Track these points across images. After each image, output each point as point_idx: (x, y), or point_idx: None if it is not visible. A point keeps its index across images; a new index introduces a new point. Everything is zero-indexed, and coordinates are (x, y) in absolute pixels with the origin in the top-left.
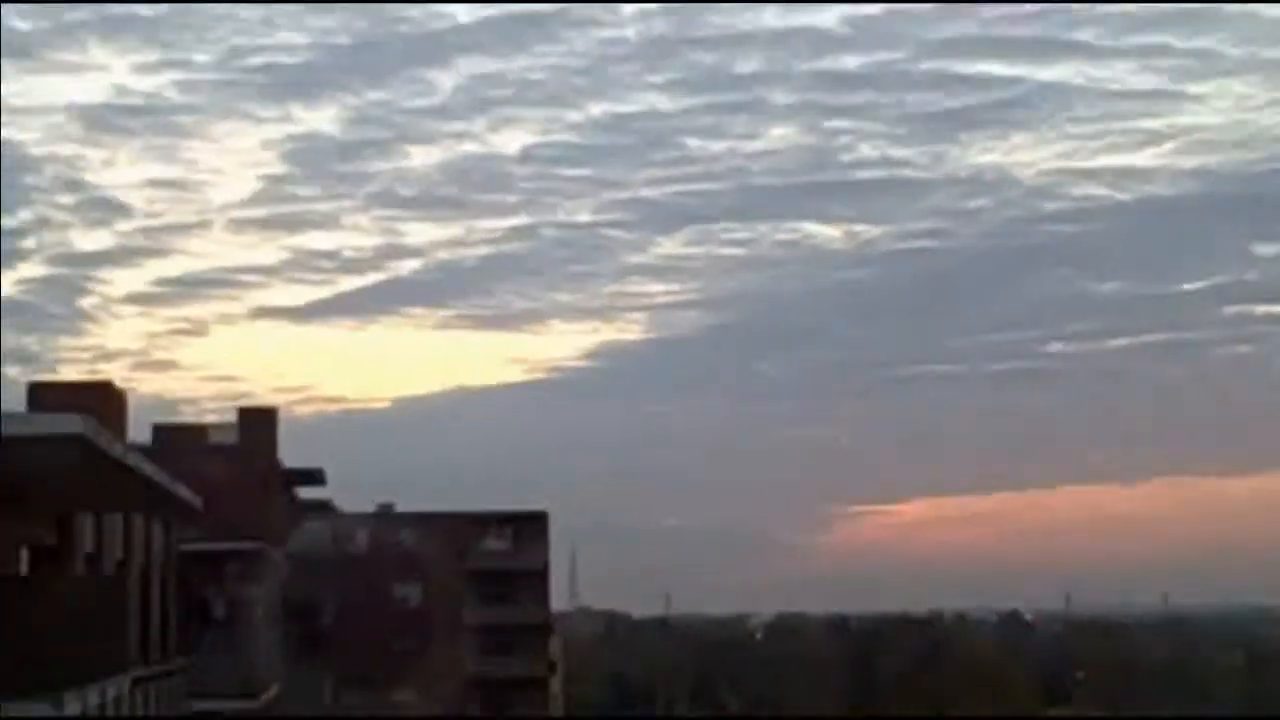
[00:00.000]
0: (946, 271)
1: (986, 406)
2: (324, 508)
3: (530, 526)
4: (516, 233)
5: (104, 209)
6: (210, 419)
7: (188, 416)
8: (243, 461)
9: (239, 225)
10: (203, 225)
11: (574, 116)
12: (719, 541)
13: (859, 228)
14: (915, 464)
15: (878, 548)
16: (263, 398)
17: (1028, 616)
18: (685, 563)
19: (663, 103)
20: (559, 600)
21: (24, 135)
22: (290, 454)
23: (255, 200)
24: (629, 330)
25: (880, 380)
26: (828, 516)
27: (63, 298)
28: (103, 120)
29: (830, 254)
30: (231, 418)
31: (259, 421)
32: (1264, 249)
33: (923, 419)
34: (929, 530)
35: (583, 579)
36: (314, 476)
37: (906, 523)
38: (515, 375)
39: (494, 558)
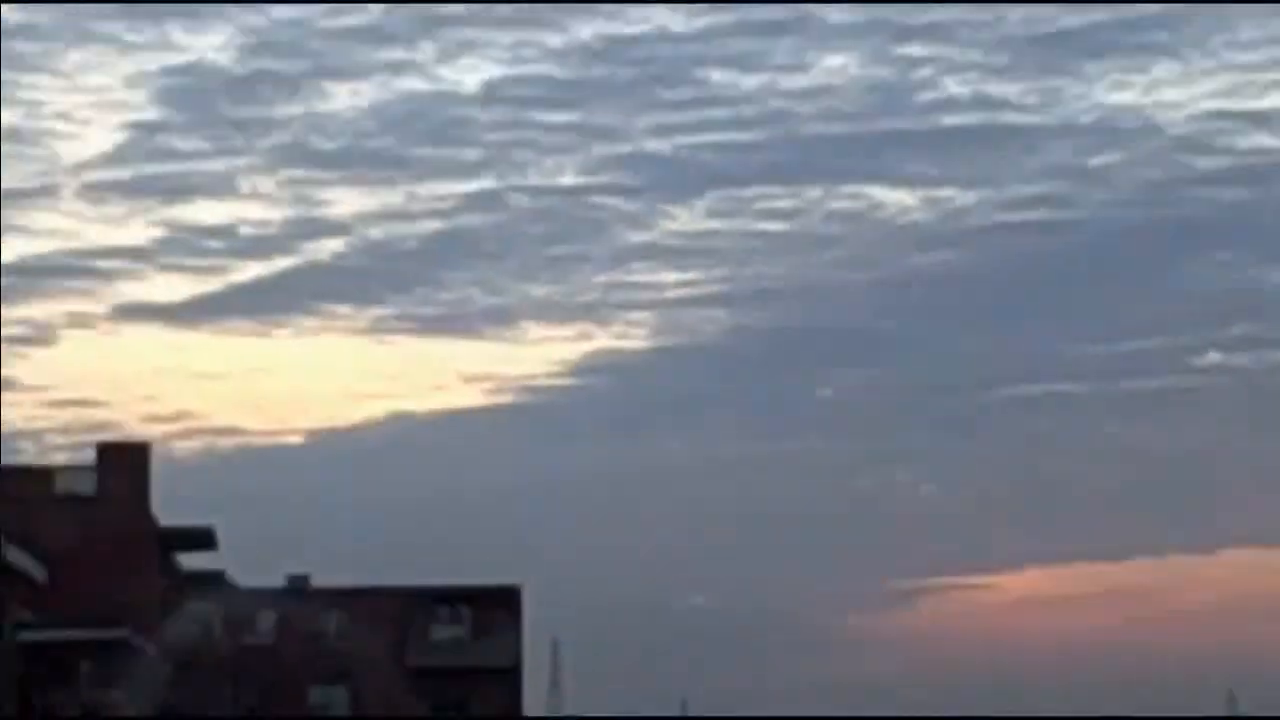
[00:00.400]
0: (1065, 254)
1: (1120, 441)
2: (215, 581)
3: (496, 607)
4: (476, 201)
5: None
6: (59, 459)
7: (27, 456)
8: (102, 517)
9: (97, 192)
10: (47, 192)
11: (554, 41)
12: (753, 627)
13: (944, 193)
14: (1023, 520)
15: (971, 634)
16: (130, 429)
17: None
18: (708, 655)
19: (675, 22)
20: (536, 708)
21: None
22: (168, 507)
23: (119, 157)
24: (629, 336)
25: (975, 406)
26: (902, 593)
27: None
28: None
29: (906, 230)
30: (87, 457)
31: (124, 462)
32: None
33: (1033, 458)
34: (1041, 610)
35: (569, 678)
36: (201, 538)
37: (1010, 600)
38: (474, 398)
39: (447, 651)
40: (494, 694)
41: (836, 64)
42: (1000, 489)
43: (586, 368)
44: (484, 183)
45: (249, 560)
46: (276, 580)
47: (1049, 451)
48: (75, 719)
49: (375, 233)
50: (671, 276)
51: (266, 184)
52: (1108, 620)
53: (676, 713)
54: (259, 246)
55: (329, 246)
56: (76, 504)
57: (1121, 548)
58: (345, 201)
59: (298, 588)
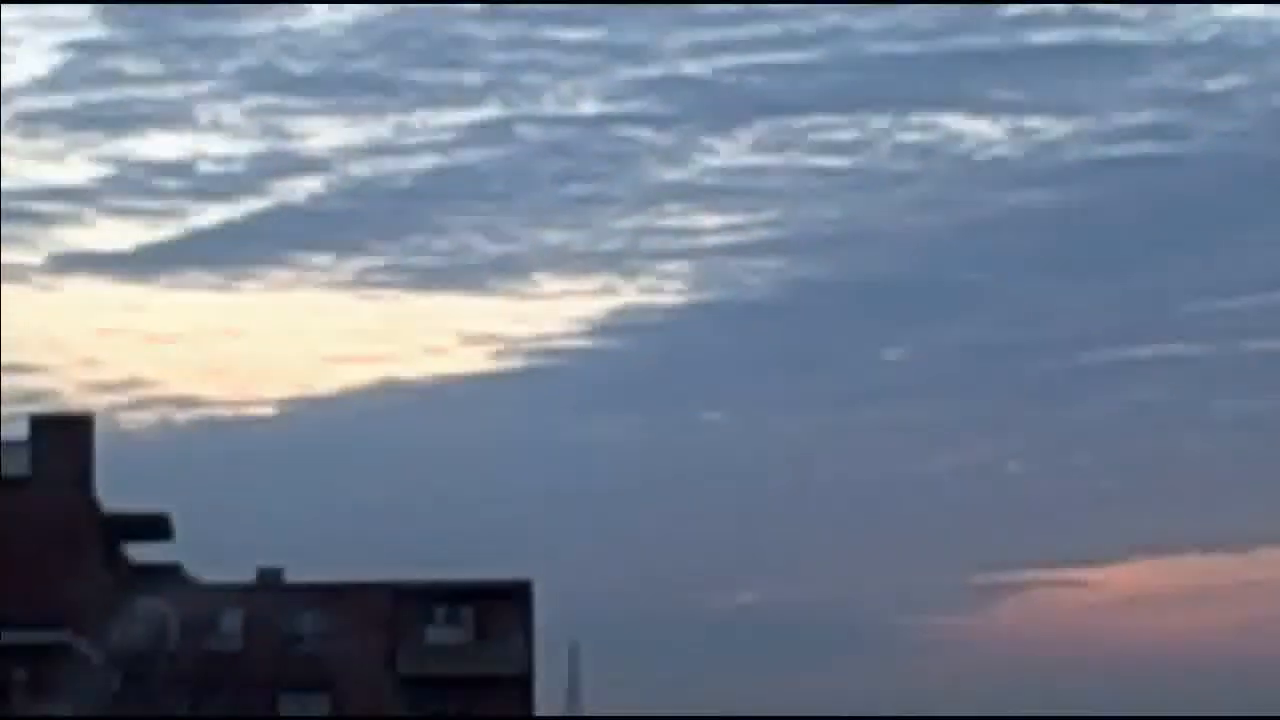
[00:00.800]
0: (1179, 194)
1: (1247, 410)
2: (170, 576)
3: (503, 606)
4: (479, 133)
5: None
6: None
7: None
8: (37, 502)
9: (32, 123)
10: None
11: None
12: (812, 629)
13: (1034, 123)
14: (1130, 504)
15: (1069, 635)
16: (71, 399)
17: None
18: (757, 663)
19: None
20: None
21: None
22: (116, 490)
23: (57, 83)
24: (662, 290)
25: (1072, 370)
26: (988, 589)
27: None
28: None
29: (989, 166)
30: (20, 431)
31: (63, 438)
32: None
33: (1140, 431)
34: (1151, 608)
35: (590, 690)
36: (154, 526)
37: (1117, 597)
38: (479, 363)
39: (445, 657)
40: (500, 707)
41: None
42: (1101, 467)
43: (612, 328)
44: (489, 111)
45: (211, 552)
46: (244, 575)
47: (1159, 423)
48: None
49: (359, 170)
50: (713, 220)
51: (231, 113)
52: (1231, 620)
53: None
54: (222, 186)
55: (304, 186)
56: (8, 486)
57: (1246, 535)
58: (323, 133)
59: (269, 583)
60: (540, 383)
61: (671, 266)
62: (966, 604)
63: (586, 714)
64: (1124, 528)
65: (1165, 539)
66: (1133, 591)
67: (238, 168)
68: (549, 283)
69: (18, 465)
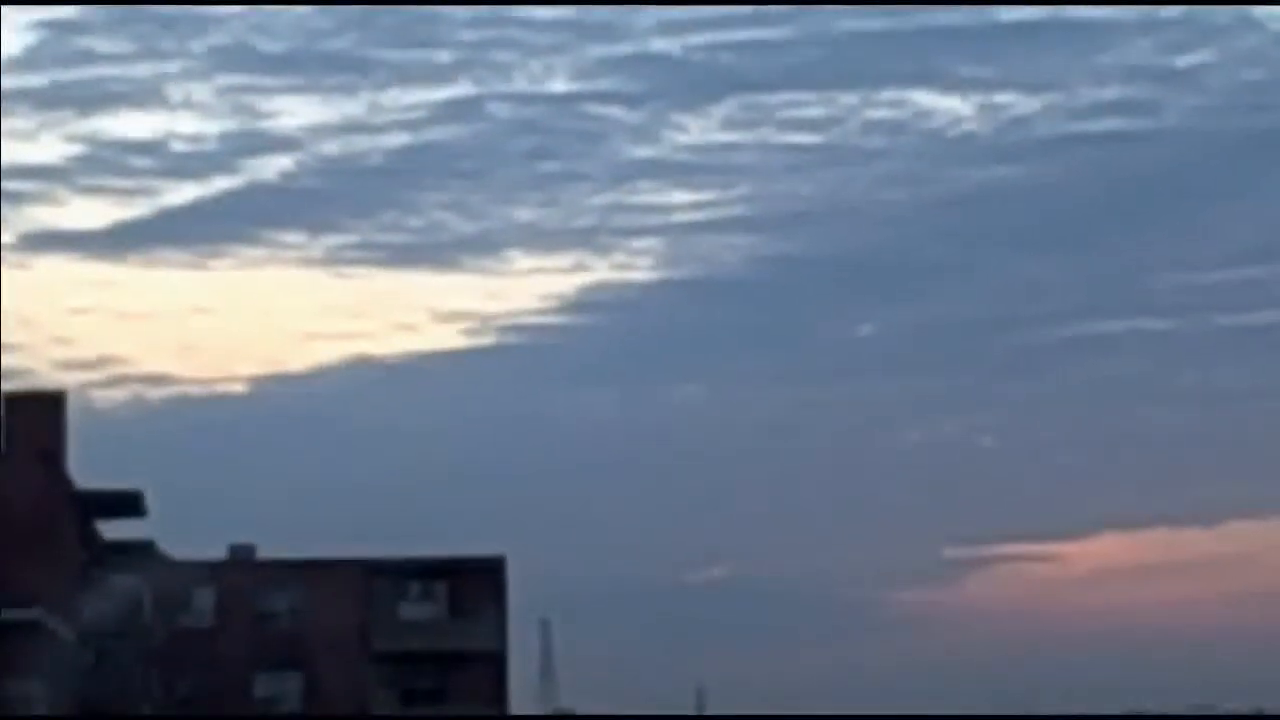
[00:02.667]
0: (1147, 170)
1: (1215, 384)
2: (143, 553)
3: (477, 582)
4: (450, 111)
5: None
6: None
7: None
8: (8, 479)
9: (4, 102)
10: None
11: None
12: (781, 605)
13: (1003, 98)
14: (1100, 479)
15: (1039, 609)
16: (44, 377)
17: None
18: (729, 639)
19: None
20: (524, 700)
21: None
22: (88, 468)
23: (30, 62)
24: (633, 267)
25: (1044, 346)
26: (958, 563)
27: None
28: None
29: (959, 142)
30: None
31: (34, 414)
32: None
33: (1113, 406)
34: (1121, 583)
35: (563, 666)
36: (127, 503)
37: (1085, 572)
38: (451, 339)
39: (419, 633)
40: (474, 682)
41: None
42: (1071, 442)
43: (583, 304)
44: (460, 89)
45: (184, 528)
46: (217, 551)
47: (1127, 397)
48: None
49: (330, 148)
50: (684, 197)
51: (202, 92)
52: (1200, 594)
53: (691, 702)
54: (193, 165)
55: (275, 164)
56: None
57: (1215, 509)
58: (294, 111)
59: (241, 560)
60: (512, 359)
61: (643, 243)
62: (937, 578)
63: (560, 687)
64: (1093, 502)
65: (1134, 513)
66: (1102, 565)
67: (209, 146)
68: (521, 260)
69: None
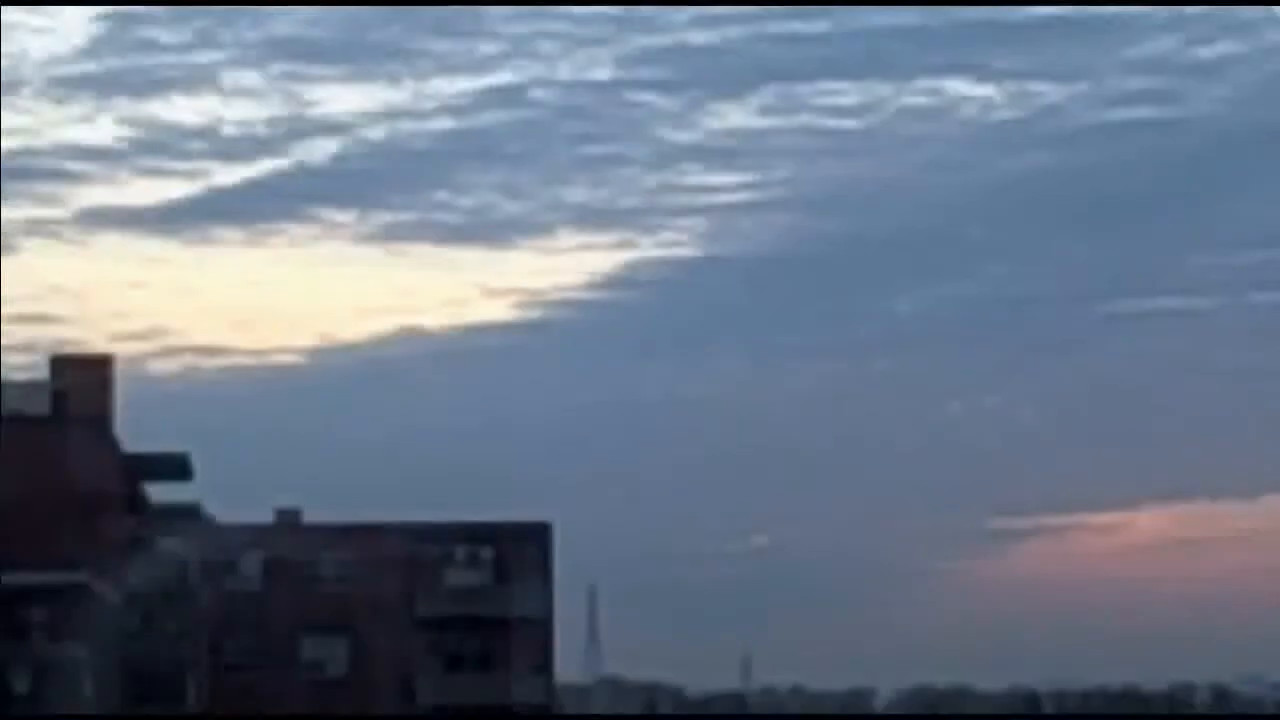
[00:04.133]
0: (1182, 155)
1: (1253, 361)
2: (189, 516)
3: (523, 548)
4: (494, 98)
5: None
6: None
7: None
8: (57, 441)
9: (66, 88)
10: (10, 89)
11: None
12: (825, 575)
13: (1037, 87)
14: (1139, 452)
15: (1082, 578)
16: (99, 349)
17: None
18: (772, 607)
19: None
20: (570, 666)
21: None
22: (137, 431)
23: (92, 51)
24: (677, 245)
25: (1083, 322)
26: (1003, 534)
27: None
28: None
29: (992, 130)
30: (40, 373)
31: (82, 377)
32: None
33: (1153, 381)
34: (1162, 554)
35: (609, 633)
36: (173, 466)
37: (1128, 543)
38: (499, 313)
39: (464, 598)
40: (520, 648)
41: None
42: (1108, 416)
43: (629, 280)
44: (503, 77)
45: (231, 491)
46: (264, 515)
47: (1163, 373)
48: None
49: (373, 134)
50: (726, 178)
51: (252, 79)
52: (1245, 566)
53: (737, 670)
54: (244, 148)
55: (324, 147)
56: (27, 426)
57: (1255, 483)
58: (338, 99)
59: (288, 523)
60: (561, 334)
61: (687, 222)
62: (981, 548)
63: (605, 654)
64: (1133, 475)
65: (1173, 486)
66: (1144, 537)
67: (259, 130)
68: (568, 238)
69: (38, 405)
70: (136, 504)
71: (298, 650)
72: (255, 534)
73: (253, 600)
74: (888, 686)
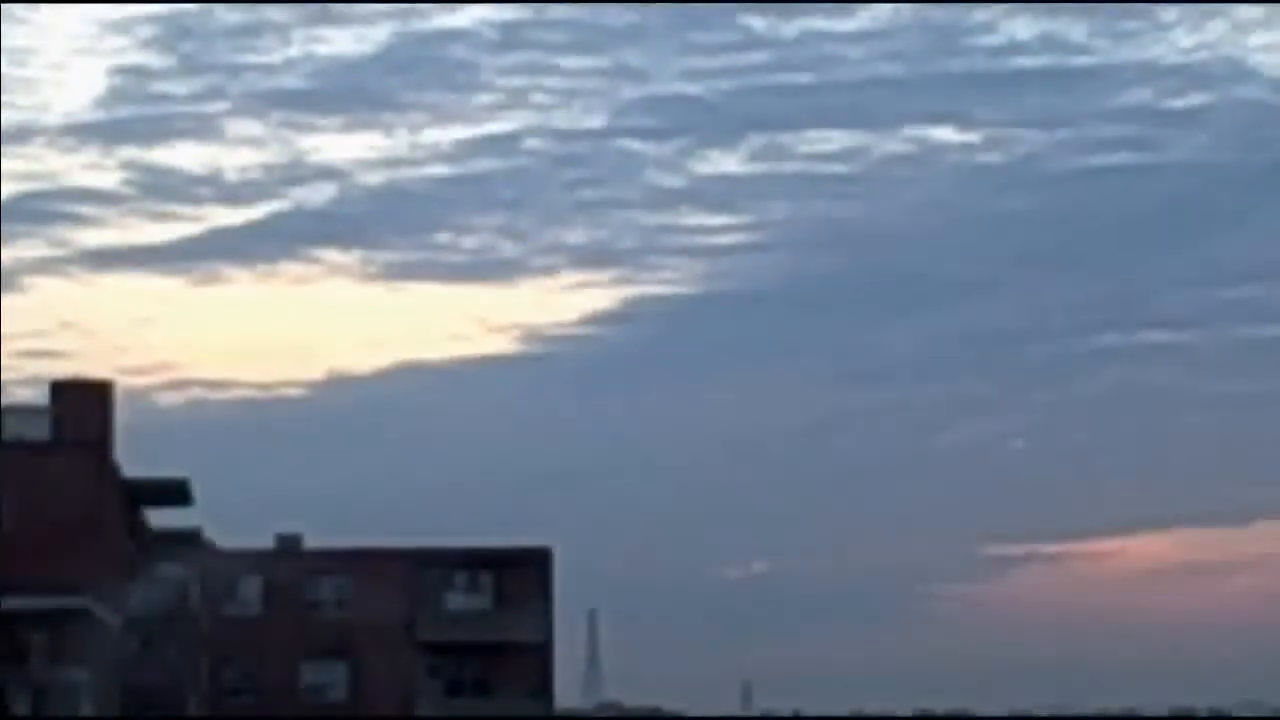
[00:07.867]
0: (1159, 199)
1: (1239, 389)
2: (189, 541)
3: (523, 574)
4: (488, 146)
5: None
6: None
7: None
8: (57, 466)
9: (77, 135)
10: (21, 136)
11: None
12: (826, 600)
13: (1017, 134)
14: (1130, 480)
15: (1074, 605)
16: None
17: None
18: (772, 632)
19: None
20: (570, 691)
21: None
22: (140, 458)
23: (102, 101)
24: (671, 282)
25: (1072, 354)
26: (997, 560)
27: None
28: None
29: (976, 173)
30: (40, 397)
31: (83, 401)
32: None
33: (1137, 412)
34: (1156, 580)
35: (609, 658)
36: (173, 491)
37: (1125, 570)
38: (497, 346)
39: (465, 624)
40: (519, 673)
41: (884, 10)
42: (1099, 445)
43: (624, 316)
44: (498, 125)
45: (231, 517)
46: (264, 541)
47: (1150, 404)
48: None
49: (370, 179)
50: (718, 220)
51: (252, 127)
52: (1230, 592)
53: (737, 695)
54: (246, 192)
55: (320, 192)
56: (28, 450)
57: (1242, 511)
58: (334, 147)
59: (288, 549)
60: (558, 367)
61: (678, 262)
62: (977, 575)
63: (605, 678)
64: (1125, 502)
65: (1165, 513)
66: (1137, 563)
67: (257, 175)
68: (565, 275)
69: (39, 429)
70: (137, 528)
71: (298, 675)
72: (255, 559)
73: (253, 625)
74: (887, 711)
